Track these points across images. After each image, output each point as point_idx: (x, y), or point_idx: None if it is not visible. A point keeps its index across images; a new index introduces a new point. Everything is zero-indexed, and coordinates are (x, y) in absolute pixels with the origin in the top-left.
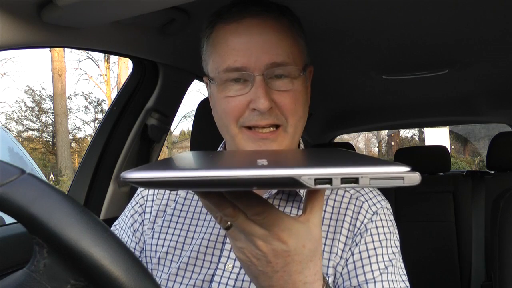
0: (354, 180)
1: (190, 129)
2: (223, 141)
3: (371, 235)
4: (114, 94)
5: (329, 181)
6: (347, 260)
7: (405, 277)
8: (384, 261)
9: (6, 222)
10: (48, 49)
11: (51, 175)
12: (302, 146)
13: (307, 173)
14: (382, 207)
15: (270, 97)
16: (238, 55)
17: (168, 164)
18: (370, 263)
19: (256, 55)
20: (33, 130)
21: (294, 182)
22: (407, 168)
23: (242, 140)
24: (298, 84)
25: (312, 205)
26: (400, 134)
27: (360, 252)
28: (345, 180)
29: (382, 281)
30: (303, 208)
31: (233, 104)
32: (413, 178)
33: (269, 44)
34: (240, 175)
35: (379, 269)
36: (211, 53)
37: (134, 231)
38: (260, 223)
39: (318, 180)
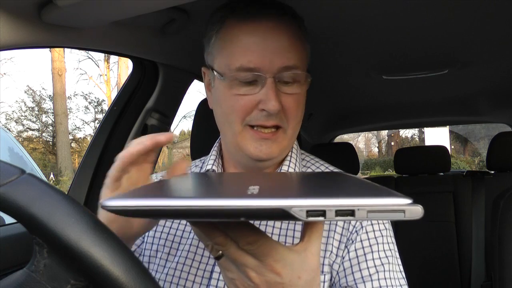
0: (350, 212)
1: (190, 129)
2: (218, 138)
3: (366, 232)
4: (114, 94)
5: (322, 213)
6: (343, 258)
7: (402, 274)
8: (380, 258)
9: (6, 222)
10: (48, 49)
11: (51, 175)
12: (296, 146)
13: (299, 204)
14: None
15: (279, 99)
16: (252, 56)
17: (150, 191)
18: (366, 260)
19: (270, 57)
20: (33, 130)
21: (284, 214)
22: (408, 200)
23: (244, 138)
24: (303, 89)
25: (310, 232)
26: (400, 134)
27: (355, 250)
28: (340, 212)
29: (379, 278)
30: (301, 235)
31: (242, 102)
32: (415, 211)
33: (282, 48)
34: (226, 205)
35: (375, 266)
36: (221, 48)
37: None
38: (253, 253)
39: (310, 212)
